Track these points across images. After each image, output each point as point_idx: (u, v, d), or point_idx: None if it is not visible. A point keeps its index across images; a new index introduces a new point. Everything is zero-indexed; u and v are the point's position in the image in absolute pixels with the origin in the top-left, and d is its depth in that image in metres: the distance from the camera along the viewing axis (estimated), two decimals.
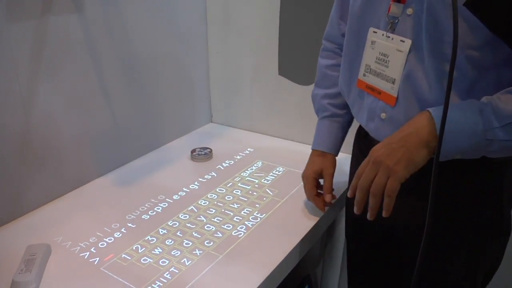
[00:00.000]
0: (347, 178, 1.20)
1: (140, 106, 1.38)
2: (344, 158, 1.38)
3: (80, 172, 1.24)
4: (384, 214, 0.75)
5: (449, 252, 0.85)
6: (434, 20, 0.73)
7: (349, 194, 0.80)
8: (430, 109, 0.73)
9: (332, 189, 1.09)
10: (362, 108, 0.92)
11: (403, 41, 0.78)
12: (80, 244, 1.00)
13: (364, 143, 0.98)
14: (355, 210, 0.79)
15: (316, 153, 1.11)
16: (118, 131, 1.32)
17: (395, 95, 0.81)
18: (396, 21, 0.79)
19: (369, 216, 0.77)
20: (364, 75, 0.88)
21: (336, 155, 1.12)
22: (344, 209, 1.27)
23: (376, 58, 0.85)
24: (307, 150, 1.45)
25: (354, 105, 0.96)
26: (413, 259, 0.93)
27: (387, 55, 0.82)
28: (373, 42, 0.85)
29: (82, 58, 1.16)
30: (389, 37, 0.81)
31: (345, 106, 1.07)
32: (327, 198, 1.07)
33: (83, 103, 1.19)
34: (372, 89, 0.87)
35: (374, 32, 0.84)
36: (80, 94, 1.18)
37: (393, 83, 0.81)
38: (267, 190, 1.22)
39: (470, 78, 0.73)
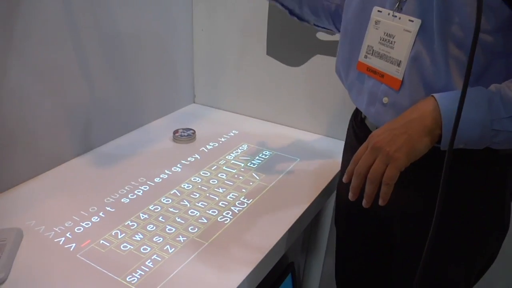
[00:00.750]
0: (337, 165, 1.16)
1: (119, 83, 1.30)
2: (334, 144, 1.34)
3: (55, 152, 1.16)
4: (380, 203, 0.71)
5: (447, 246, 0.82)
6: (445, 0, 0.68)
7: (344, 179, 0.76)
8: (435, 95, 0.69)
9: None
10: (361, 92, 0.87)
11: (412, 21, 0.74)
12: (54, 228, 0.93)
13: (360, 129, 0.94)
14: (350, 196, 0.74)
15: None
16: (96, 109, 1.24)
17: (400, 78, 0.76)
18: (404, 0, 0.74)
19: (364, 204, 0.73)
20: (366, 56, 0.83)
21: None
22: (330, 196, 1.23)
23: (380, 39, 0.80)
24: (294, 134, 1.42)
25: (353, 89, 0.91)
26: (404, 249, 0.91)
27: (392, 36, 0.77)
28: (377, 22, 0.80)
29: (59, 31, 1.08)
30: (395, 16, 0.76)
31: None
32: None
33: (59, 79, 1.11)
34: (374, 72, 0.82)
35: (378, 11, 0.80)
36: (55, 69, 1.09)
37: (398, 65, 0.76)
38: (253, 174, 1.16)
39: (480, 63, 0.69)
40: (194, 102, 1.66)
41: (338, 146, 1.30)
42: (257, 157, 1.25)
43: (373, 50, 0.82)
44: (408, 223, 0.87)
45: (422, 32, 0.73)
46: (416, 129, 0.68)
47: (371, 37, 0.82)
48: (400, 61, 0.76)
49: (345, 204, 1.04)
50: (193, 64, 1.60)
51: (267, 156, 1.26)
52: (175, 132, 1.35)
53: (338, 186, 1.11)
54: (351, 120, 1.02)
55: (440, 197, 0.63)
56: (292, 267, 1.37)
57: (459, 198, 0.79)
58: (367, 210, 0.89)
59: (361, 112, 0.92)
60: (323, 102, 1.37)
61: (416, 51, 0.74)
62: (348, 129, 1.03)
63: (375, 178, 0.70)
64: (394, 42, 0.77)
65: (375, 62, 0.82)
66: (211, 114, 1.57)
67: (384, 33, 0.79)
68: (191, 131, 1.36)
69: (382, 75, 0.80)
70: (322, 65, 1.32)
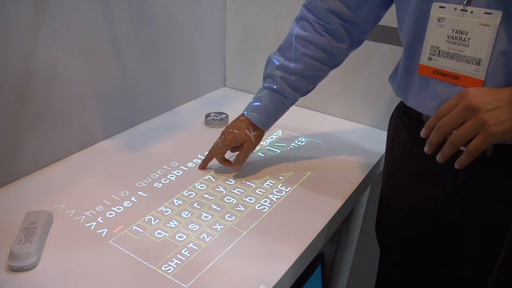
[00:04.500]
0: (375, 155, 1.09)
1: (150, 65, 1.26)
2: (371, 132, 1.28)
3: (85, 133, 1.12)
4: (456, 166, 0.67)
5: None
6: None
7: (422, 134, 0.71)
8: None
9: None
10: (426, 97, 0.79)
11: (490, 13, 0.66)
12: (85, 212, 0.89)
13: (416, 128, 0.84)
14: (426, 149, 0.70)
15: (247, 121, 1.02)
16: (127, 89, 1.20)
17: (483, 78, 0.69)
18: None
19: (438, 158, 0.69)
20: (430, 58, 0.76)
21: (266, 130, 1.05)
22: (367, 188, 1.17)
23: (448, 37, 0.72)
24: (329, 120, 1.36)
25: (409, 95, 0.82)
26: (466, 246, 0.85)
27: (465, 32, 0.70)
28: (440, 19, 0.72)
29: (90, 7, 1.03)
30: (466, 10, 0.69)
31: (297, 89, 0.98)
32: (235, 168, 1.02)
33: (90, 56, 1.07)
34: (443, 75, 0.74)
35: (440, 7, 0.72)
36: (87, 46, 1.05)
37: (477, 64, 0.69)
38: (290, 161, 1.11)
39: None
40: (224, 86, 1.61)
41: (374, 134, 1.25)
42: (293, 144, 1.20)
43: (439, 50, 0.74)
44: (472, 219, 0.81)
45: (504, 24, 0.66)
46: None
47: (435, 37, 0.74)
48: (480, 59, 0.69)
49: (393, 212, 0.97)
50: (225, 46, 1.54)
51: (303, 143, 1.21)
52: (207, 116, 1.30)
53: (382, 195, 1.01)
54: (398, 121, 0.93)
55: None
56: (322, 258, 1.32)
57: None
58: (421, 210, 0.83)
59: (414, 111, 0.84)
60: (359, 89, 1.30)
61: (501, 46, 0.67)
62: (394, 129, 0.95)
63: (459, 143, 0.66)
64: (469, 39, 0.70)
65: (444, 64, 0.74)
66: (242, 98, 1.51)
67: (453, 31, 0.72)
68: (224, 115, 1.31)
69: (456, 77, 0.73)
70: (360, 51, 1.25)
